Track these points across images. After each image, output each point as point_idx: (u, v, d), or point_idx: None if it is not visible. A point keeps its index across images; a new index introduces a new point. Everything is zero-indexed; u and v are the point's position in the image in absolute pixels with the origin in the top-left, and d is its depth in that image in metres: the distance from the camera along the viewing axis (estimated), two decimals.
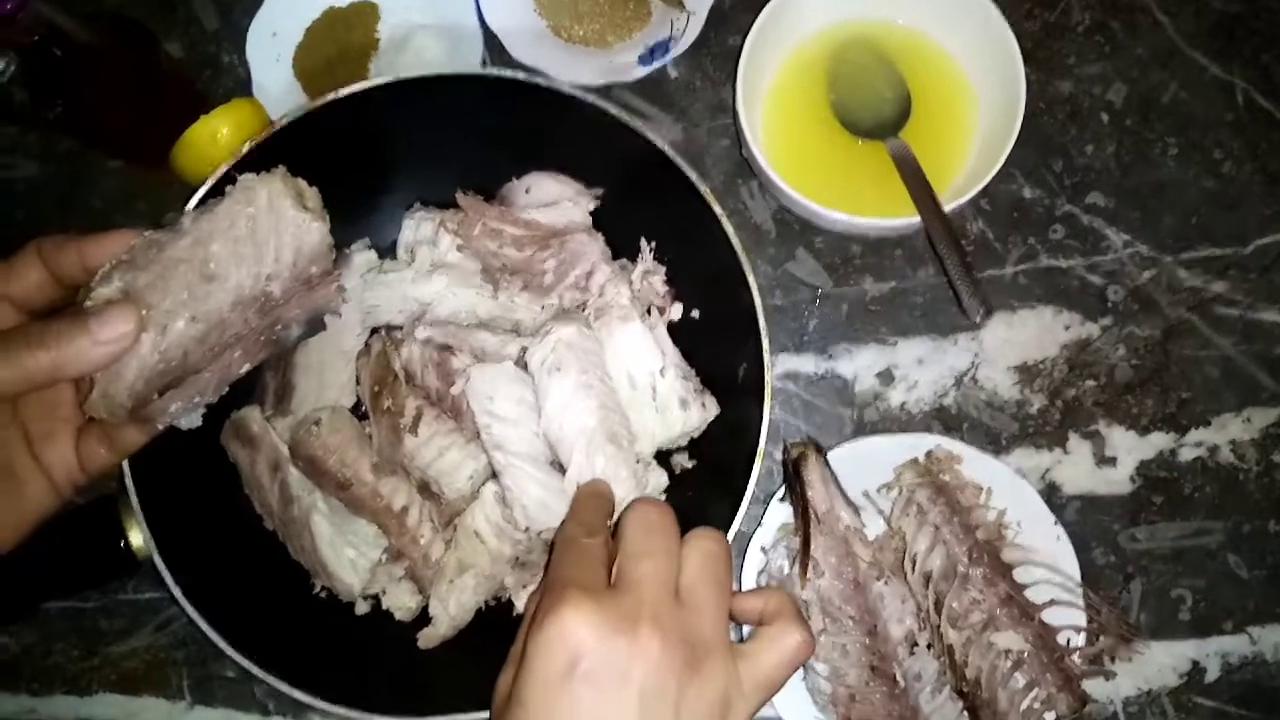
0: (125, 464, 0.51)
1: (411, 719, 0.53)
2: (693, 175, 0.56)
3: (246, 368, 0.47)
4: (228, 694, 0.63)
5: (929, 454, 0.61)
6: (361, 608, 0.58)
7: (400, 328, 0.61)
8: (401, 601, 0.58)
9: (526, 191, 0.63)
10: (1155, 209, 0.68)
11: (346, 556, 0.56)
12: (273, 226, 0.44)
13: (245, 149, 0.54)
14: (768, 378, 0.55)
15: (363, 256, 0.62)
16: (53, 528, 0.46)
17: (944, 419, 0.65)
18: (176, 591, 0.51)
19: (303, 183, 0.46)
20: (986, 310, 0.59)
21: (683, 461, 0.61)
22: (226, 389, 0.47)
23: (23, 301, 0.43)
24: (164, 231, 0.44)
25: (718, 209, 0.56)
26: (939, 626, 0.57)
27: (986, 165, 0.61)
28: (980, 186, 0.60)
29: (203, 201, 0.53)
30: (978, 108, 0.66)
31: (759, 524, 0.61)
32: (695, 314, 0.61)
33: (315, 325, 0.49)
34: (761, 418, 0.54)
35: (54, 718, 0.63)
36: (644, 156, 0.57)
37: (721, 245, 0.56)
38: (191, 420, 0.46)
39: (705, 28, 0.67)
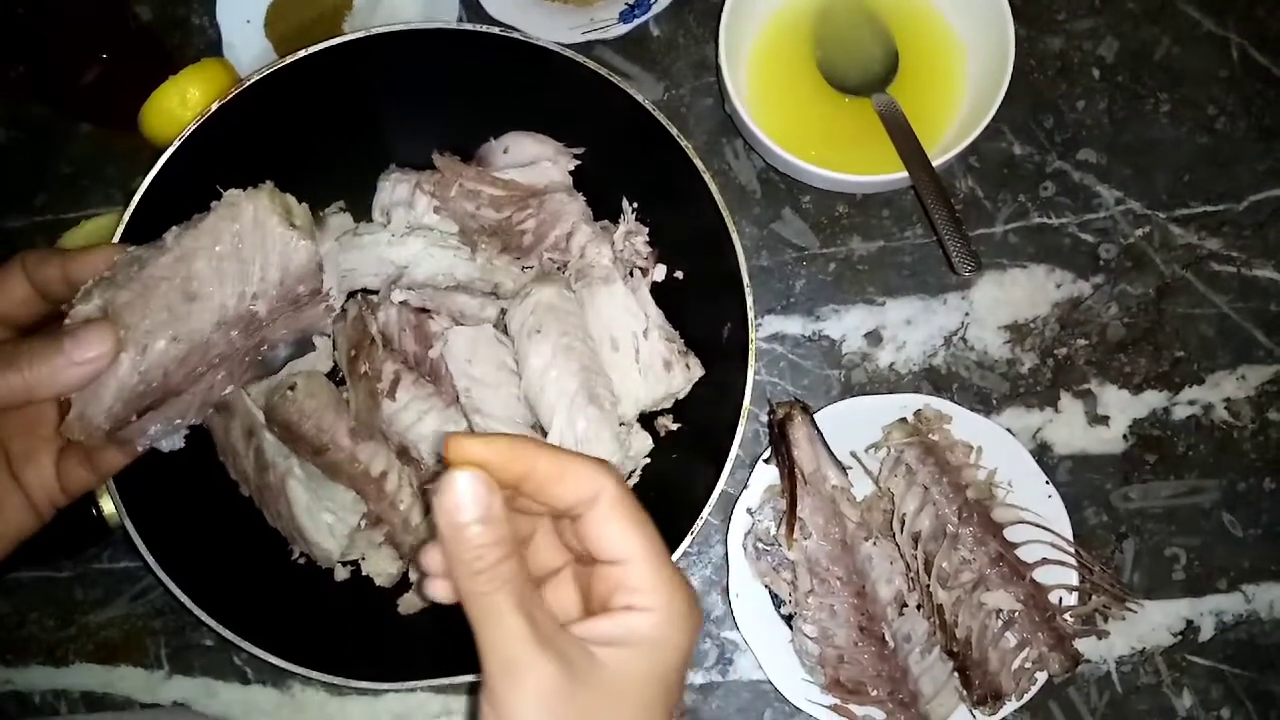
0: None
1: (392, 684, 0.53)
2: (675, 133, 0.55)
3: (230, 390, 0.46)
4: (206, 662, 0.62)
5: (918, 413, 0.60)
6: (340, 574, 0.58)
7: (377, 291, 0.60)
8: (381, 567, 0.57)
9: (505, 151, 0.61)
10: (1148, 166, 0.67)
11: (324, 522, 0.55)
12: (259, 243, 0.43)
13: (212, 108, 0.53)
14: (753, 338, 0.54)
15: (338, 219, 0.61)
16: None
17: (933, 379, 0.64)
18: (150, 559, 0.50)
19: (291, 199, 0.45)
20: (976, 264, 0.58)
21: (667, 424, 0.60)
22: (210, 411, 0.45)
23: (7, 317, 0.42)
24: (147, 247, 0.42)
25: (701, 167, 0.55)
26: (928, 586, 0.57)
27: (975, 121, 0.60)
28: (968, 141, 0.59)
29: (168, 165, 0.52)
30: (966, 64, 0.65)
31: (745, 487, 0.60)
32: (679, 275, 0.60)
33: (304, 346, 0.48)
34: (746, 379, 0.53)
35: (30, 688, 0.62)
36: (626, 114, 0.55)
37: (706, 205, 0.55)
38: (173, 443, 0.45)
39: None
